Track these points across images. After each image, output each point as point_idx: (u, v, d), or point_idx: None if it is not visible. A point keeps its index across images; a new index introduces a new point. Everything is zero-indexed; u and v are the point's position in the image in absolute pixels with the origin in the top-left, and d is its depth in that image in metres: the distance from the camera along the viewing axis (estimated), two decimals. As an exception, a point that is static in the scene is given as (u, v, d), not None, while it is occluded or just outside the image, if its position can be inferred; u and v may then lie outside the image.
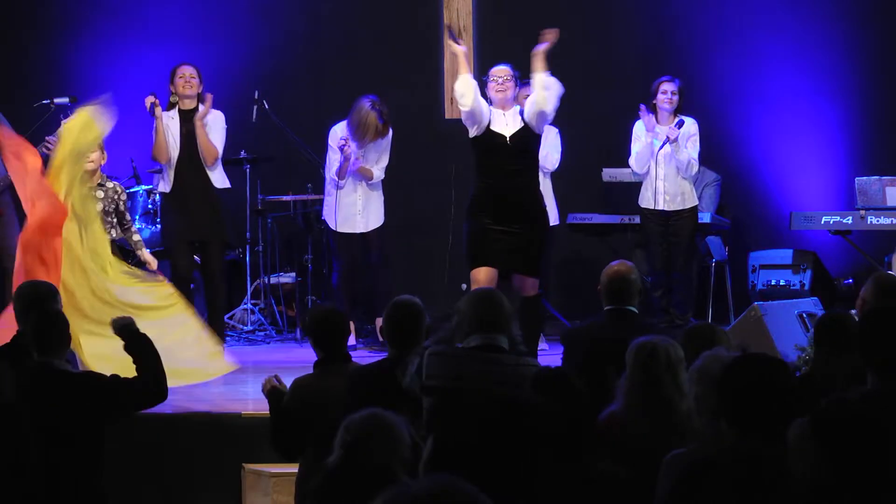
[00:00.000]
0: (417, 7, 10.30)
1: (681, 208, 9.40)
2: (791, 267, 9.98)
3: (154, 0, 10.90)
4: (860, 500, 3.41)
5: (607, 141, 10.27)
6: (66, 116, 8.83)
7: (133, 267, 7.90)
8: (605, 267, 6.04)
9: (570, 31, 10.87)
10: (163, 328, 7.32)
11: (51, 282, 6.41)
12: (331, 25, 11.00)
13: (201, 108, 8.90)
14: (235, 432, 6.98)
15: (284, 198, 10.17)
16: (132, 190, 9.73)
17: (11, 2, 10.95)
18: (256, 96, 9.88)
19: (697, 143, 9.37)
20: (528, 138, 7.75)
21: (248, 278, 10.05)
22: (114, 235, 8.11)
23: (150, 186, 9.76)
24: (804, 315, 7.90)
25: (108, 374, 5.53)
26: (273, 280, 10.16)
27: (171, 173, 8.91)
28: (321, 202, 9.63)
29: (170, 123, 8.90)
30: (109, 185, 8.18)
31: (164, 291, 7.66)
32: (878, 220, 9.42)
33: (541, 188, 8.05)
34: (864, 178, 9.61)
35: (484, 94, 7.77)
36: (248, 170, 9.94)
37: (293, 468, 5.63)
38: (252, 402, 7.27)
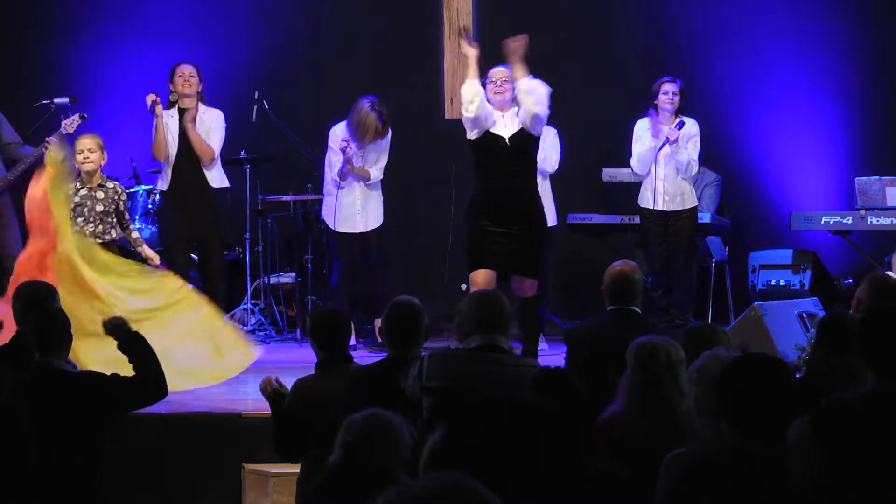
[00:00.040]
0: (417, 7, 10.30)
1: (680, 209, 9.40)
2: (791, 267, 9.98)
3: (154, 0, 10.90)
4: (860, 500, 3.41)
5: (607, 141, 10.27)
6: (67, 116, 8.86)
7: (141, 263, 7.91)
8: (609, 267, 6.04)
9: (570, 31, 10.90)
10: (175, 328, 7.35)
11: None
12: (331, 25, 11.00)
13: (199, 106, 8.94)
14: (235, 432, 6.97)
15: (284, 198, 10.17)
16: (132, 190, 9.74)
17: (11, 2, 10.95)
18: (256, 96, 9.88)
19: (698, 145, 9.37)
20: (526, 139, 7.76)
21: (248, 278, 10.04)
22: (114, 235, 8.12)
23: (150, 186, 9.77)
24: (804, 315, 7.91)
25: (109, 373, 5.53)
26: (273, 280, 10.16)
27: (169, 171, 8.97)
28: (321, 202, 9.64)
29: (169, 122, 8.93)
30: (109, 185, 8.18)
31: (172, 285, 7.65)
32: (878, 220, 9.42)
33: (540, 189, 8.06)
34: (864, 178, 9.61)
35: (483, 96, 7.78)
36: (248, 170, 9.94)
37: (293, 468, 5.63)
38: (252, 401, 7.27)
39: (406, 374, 4.92)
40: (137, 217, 9.66)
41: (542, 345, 8.61)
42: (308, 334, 5.56)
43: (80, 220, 7.99)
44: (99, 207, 8.03)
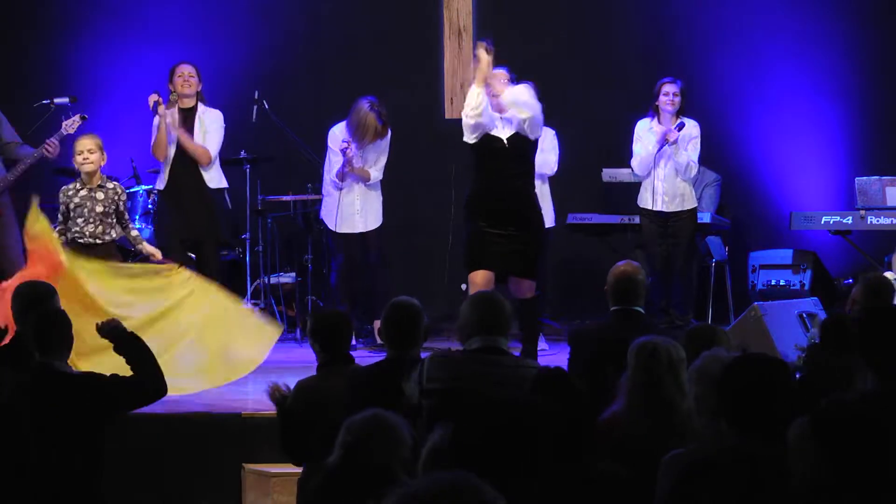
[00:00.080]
0: (417, 7, 10.30)
1: (679, 210, 9.40)
2: (791, 267, 9.98)
3: (154, 0, 10.90)
4: (860, 500, 3.41)
5: (607, 141, 10.27)
6: (67, 117, 8.86)
7: (144, 263, 7.91)
8: (612, 267, 6.04)
9: (570, 31, 10.90)
10: (190, 322, 7.34)
11: None
12: (331, 25, 11.00)
13: (199, 106, 8.96)
14: (235, 432, 6.98)
15: (284, 198, 10.16)
16: (132, 190, 9.74)
17: (11, 2, 10.95)
18: (256, 96, 9.88)
19: (698, 146, 9.36)
20: (524, 141, 7.76)
21: (248, 278, 10.04)
22: (114, 236, 8.12)
23: (150, 186, 9.77)
24: (804, 315, 7.90)
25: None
26: (273, 280, 10.16)
27: (167, 171, 9.00)
28: (321, 202, 9.63)
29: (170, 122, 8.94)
30: (109, 185, 8.18)
31: (180, 278, 7.64)
32: (878, 220, 9.42)
33: (539, 192, 8.07)
34: (864, 178, 9.61)
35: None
36: (248, 170, 9.94)
37: (293, 468, 5.64)
38: (252, 401, 7.27)
39: (406, 379, 4.93)
40: (137, 217, 9.66)
41: (542, 345, 8.61)
42: (308, 335, 5.56)
43: (80, 220, 7.98)
44: (99, 208, 8.03)
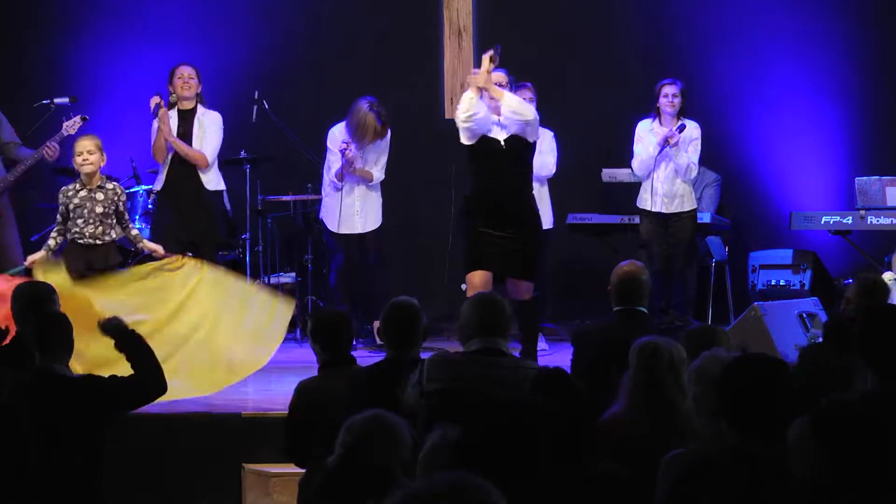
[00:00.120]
0: (417, 7, 10.30)
1: (679, 211, 9.39)
2: (791, 267, 9.98)
3: (154, 0, 10.90)
4: (860, 500, 3.41)
5: (607, 141, 10.27)
6: (68, 117, 8.87)
7: (147, 263, 7.91)
8: (616, 267, 6.04)
9: (570, 31, 10.89)
10: (201, 317, 7.34)
11: None
12: (331, 25, 11.00)
13: (198, 108, 8.97)
14: (235, 432, 6.98)
15: (284, 198, 10.16)
16: (132, 190, 9.74)
17: (11, 2, 10.95)
18: (256, 96, 9.88)
19: (699, 148, 9.35)
20: (522, 143, 7.76)
21: (248, 278, 10.04)
22: (113, 236, 8.11)
23: (150, 186, 9.76)
24: (804, 315, 7.90)
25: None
26: (273, 280, 10.15)
27: (164, 172, 9.02)
28: (321, 202, 9.63)
29: (170, 124, 8.94)
30: (109, 186, 8.17)
31: (186, 269, 7.63)
32: (878, 220, 9.42)
33: (537, 194, 8.07)
34: (864, 178, 9.61)
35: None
36: (248, 170, 9.93)
37: (293, 468, 5.64)
38: (252, 401, 7.27)
39: (406, 381, 4.93)
40: (137, 217, 9.66)
41: (542, 345, 8.61)
42: (309, 336, 5.56)
43: (79, 221, 7.98)
44: (99, 209, 8.02)
